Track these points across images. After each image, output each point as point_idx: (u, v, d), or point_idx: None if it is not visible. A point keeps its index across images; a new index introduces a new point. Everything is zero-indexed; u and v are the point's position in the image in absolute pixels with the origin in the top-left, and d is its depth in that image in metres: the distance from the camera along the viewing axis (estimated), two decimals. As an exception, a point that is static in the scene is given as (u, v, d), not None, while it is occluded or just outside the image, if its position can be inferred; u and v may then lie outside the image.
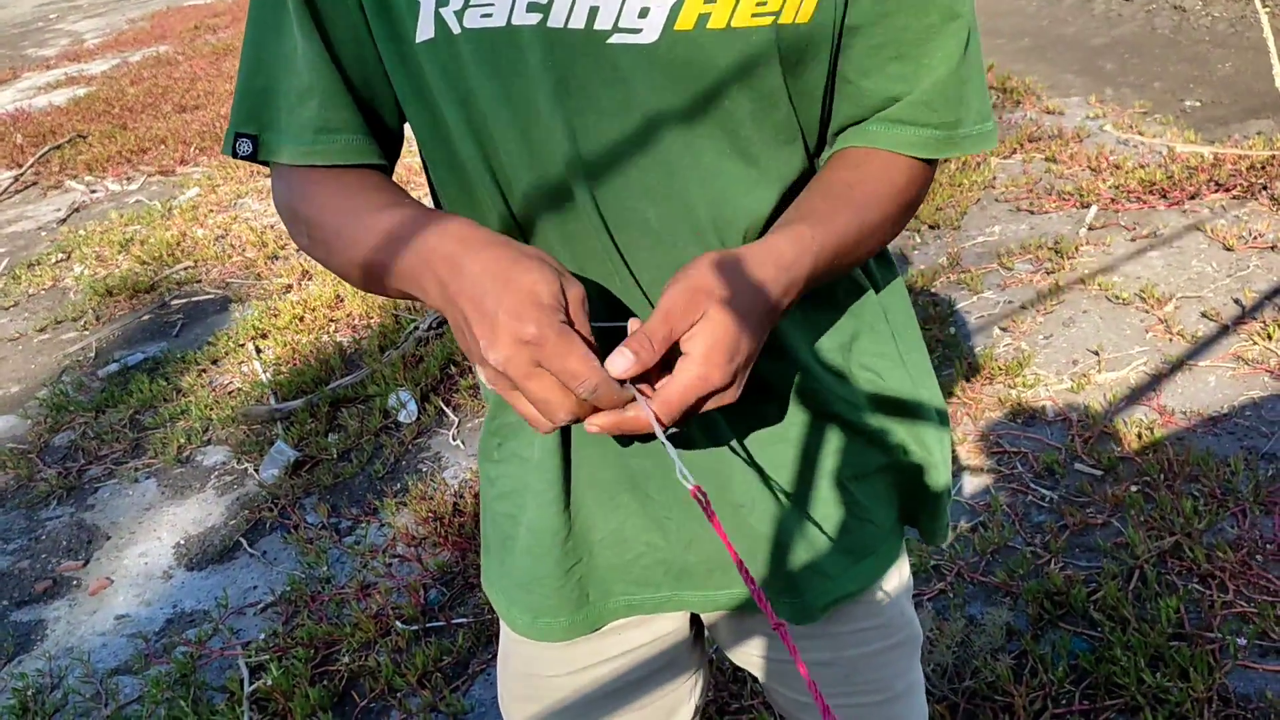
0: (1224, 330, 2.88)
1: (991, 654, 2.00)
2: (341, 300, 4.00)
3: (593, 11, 0.79)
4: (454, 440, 3.11)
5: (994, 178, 4.09)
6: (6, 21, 13.29)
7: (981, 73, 0.89)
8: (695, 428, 0.94)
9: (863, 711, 1.11)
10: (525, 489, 1.00)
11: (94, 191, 6.05)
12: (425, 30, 0.82)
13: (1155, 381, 2.72)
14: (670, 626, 1.09)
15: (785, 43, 0.81)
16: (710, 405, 0.75)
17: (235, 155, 0.89)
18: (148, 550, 2.88)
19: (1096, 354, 2.89)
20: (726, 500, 0.97)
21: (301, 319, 3.94)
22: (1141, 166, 3.87)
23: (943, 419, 1.06)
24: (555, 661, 1.08)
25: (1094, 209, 3.65)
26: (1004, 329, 3.10)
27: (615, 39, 0.80)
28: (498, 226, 0.90)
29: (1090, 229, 3.55)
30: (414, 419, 3.24)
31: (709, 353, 0.73)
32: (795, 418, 0.97)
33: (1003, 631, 2.04)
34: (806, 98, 0.87)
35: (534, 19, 0.79)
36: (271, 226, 4.93)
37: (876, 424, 1.01)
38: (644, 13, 0.79)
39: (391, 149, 0.94)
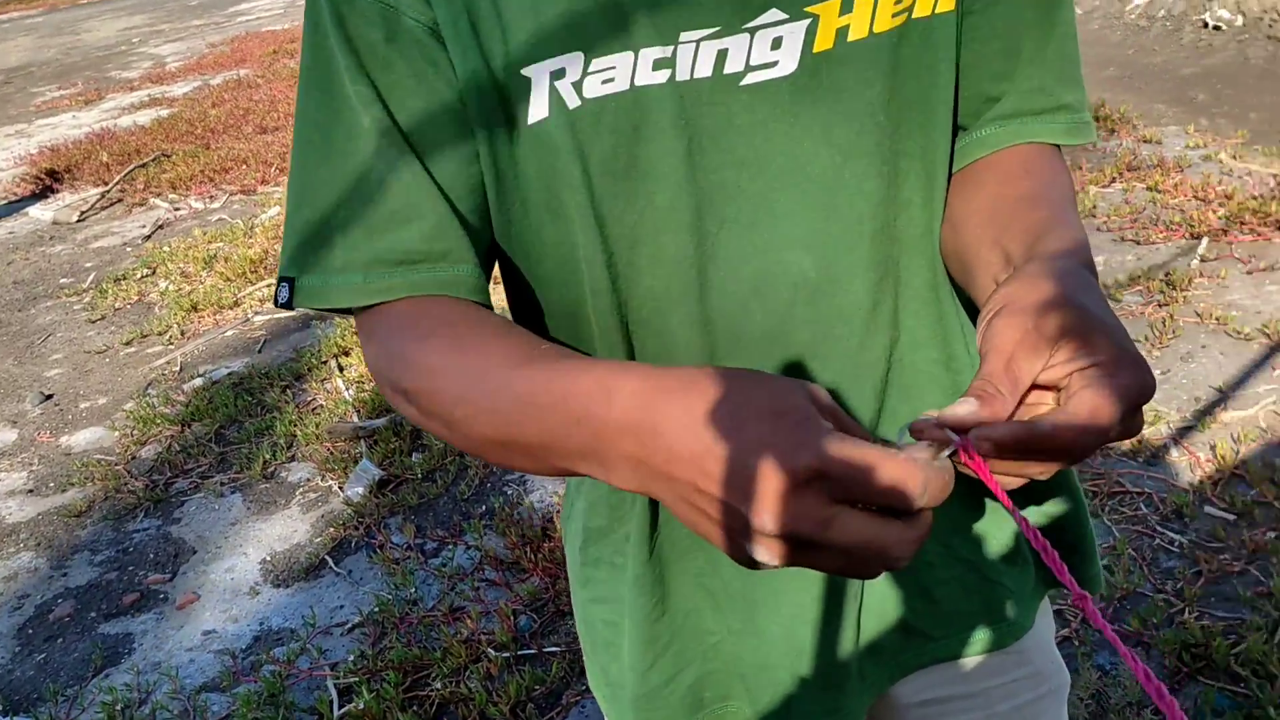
0: (1357, 369, 2.72)
1: (1129, 708, 1.87)
2: (424, 319, 3.97)
3: (721, 55, 0.70)
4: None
5: (1094, 207, 3.96)
6: (91, 44, 13.68)
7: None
8: None
9: None
10: (621, 599, 0.90)
11: (178, 209, 6.14)
12: (539, 111, 0.71)
13: (1287, 421, 2.58)
14: None
15: (927, 37, 0.74)
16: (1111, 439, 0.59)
17: (277, 304, 0.75)
18: (234, 565, 2.84)
19: (1221, 391, 2.75)
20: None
21: (384, 337, 3.91)
22: (1254, 197, 3.71)
23: None
24: None
25: (1205, 240, 3.50)
26: (1117, 363, 2.96)
27: (750, 79, 0.71)
28: (612, 338, 0.78)
29: (1203, 260, 3.41)
30: (500, 440, 3.18)
31: (1119, 357, 0.58)
32: None
33: (1139, 685, 1.91)
34: (944, 93, 0.78)
35: (662, 76, 0.70)
36: (353, 245, 4.95)
37: None
38: (777, 43, 0.70)
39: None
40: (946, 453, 0.55)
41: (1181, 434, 2.62)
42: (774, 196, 0.74)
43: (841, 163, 0.75)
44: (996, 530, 0.92)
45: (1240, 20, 6.47)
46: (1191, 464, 2.51)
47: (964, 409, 0.57)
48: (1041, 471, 0.60)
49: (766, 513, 0.51)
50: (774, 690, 0.91)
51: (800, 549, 0.53)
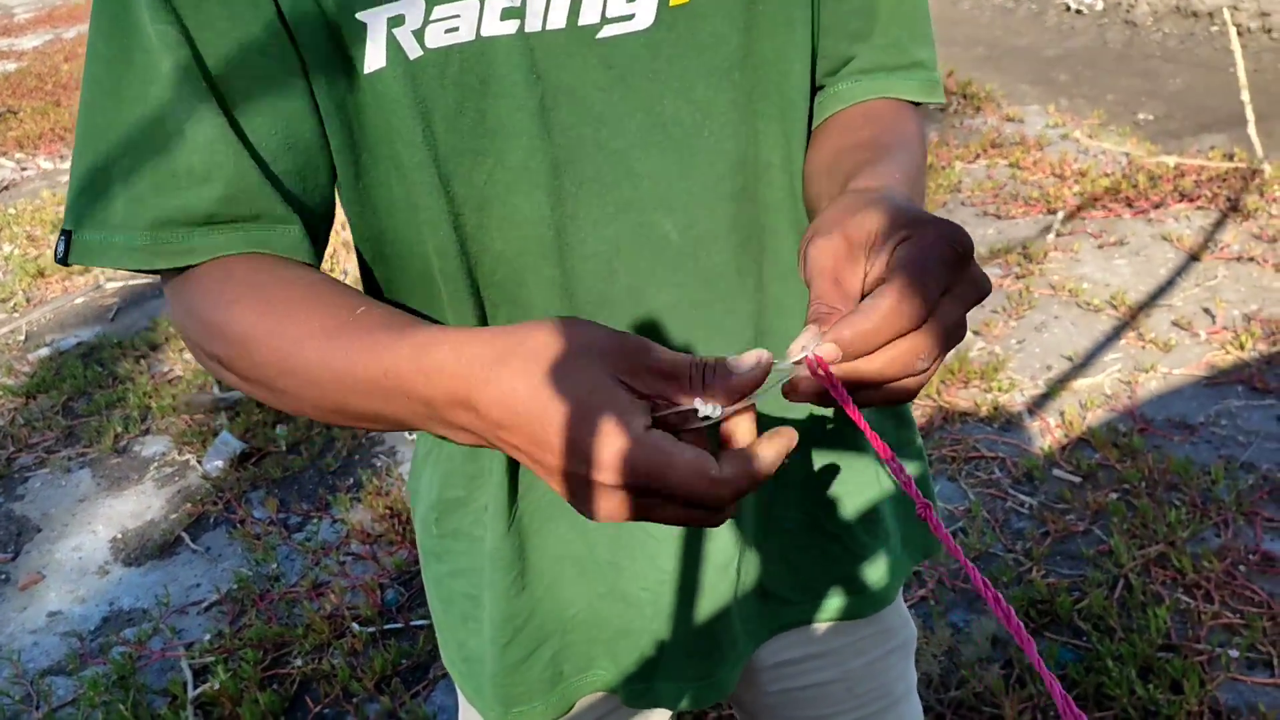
0: (1196, 339, 2.87)
1: (979, 664, 1.94)
2: (290, 287, 3.84)
3: (575, 5, 0.67)
4: (409, 435, 2.98)
5: (960, 181, 4.07)
6: (-69, -9, 12.76)
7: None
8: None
9: None
10: (480, 571, 0.87)
11: (25, 169, 5.79)
12: (375, 60, 0.66)
13: (1130, 389, 2.70)
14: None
15: None
16: (924, 373, 0.56)
17: (57, 259, 0.69)
18: (82, 544, 2.71)
19: (1070, 360, 2.87)
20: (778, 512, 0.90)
21: (248, 305, 3.77)
22: (1106, 175, 3.87)
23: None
24: None
25: (1061, 215, 3.64)
26: (976, 332, 3.06)
27: (606, 32, 0.69)
28: (462, 303, 0.75)
29: (1058, 235, 3.54)
30: (368, 411, 3.10)
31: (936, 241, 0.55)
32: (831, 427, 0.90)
33: (989, 641, 1.98)
34: (800, 51, 0.77)
35: (510, 27, 0.66)
36: (215, 209, 4.75)
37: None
38: None
39: (320, 238, 0.74)
40: (789, 367, 0.54)
41: (1034, 401, 2.72)
42: (634, 155, 0.72)
43: (701, 121, 0.73)
44: (860, 502, 0.93)
45: (1100, 5, 6.74)
46: (1042, 429, 2.61)
47: (807, 337, 0.55)
48: (898, 372, 0.55)
49: (606, 468, 0.51)
50: (639, 655, 0.90)
51: (642, 497, 0.53)
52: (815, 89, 0.82)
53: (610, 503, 0.53)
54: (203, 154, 0.65)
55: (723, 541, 0.87)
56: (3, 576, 2.62)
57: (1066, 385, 2.75)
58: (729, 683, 0.93)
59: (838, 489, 0.92)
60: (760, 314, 0.81)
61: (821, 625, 0.99)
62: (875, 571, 0.95)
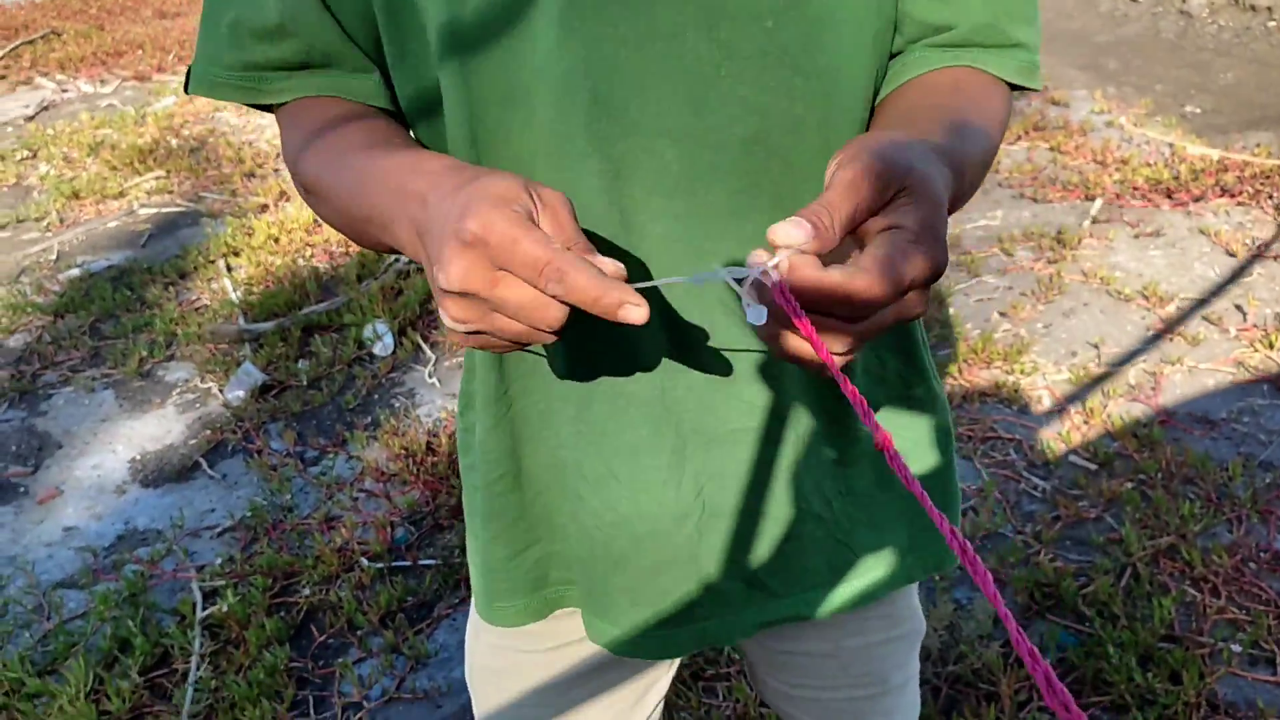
0: (1225, 335, 2.84)
1: (979, 640, 1.94)
2: (319, 225, 3.85)
3: None
4: (430, 378, 3.00)
5: (999, 162, 4.02)
6: (-18, -91, 12.76)
7: None
8: (750, 389, 0.83)
9: (855, 705, 1.05)
10: (482, 466, 0.90)
11: (65, 91, 5.81)
12: None
13: (1155, 380, 2.68)
14: None
15: None
16: (890, 319, 0.59)
17: (185, 89, 0.82)
18: (101, 463, 2.75)
19: (1096, 347, 2.84)
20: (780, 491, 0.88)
21: (277, 240, 3.79)
22: (1148, 164, 3.82)
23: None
24: (533, 637, 0.98)
25: (1099, 202, 3.59)
26: (1003, 314, 3.04)
27: None
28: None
29: (1094, 222, 3.50)
30: (389, 352, 3.13)
31: (923, 231, 0.58)
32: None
33: (991, 619, 1.98)
34: (855, 13, 0.74)
35: None
36: (249, 143, 4.75)
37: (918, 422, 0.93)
38: None
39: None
40: (752, 276, 0.56)
41: (1056, 386, 2.70)
42: (648, 79, 0.72)
43: (720, 60, 0.72)
44: (862, 494, 0.91)
45: (1155, -8, 6.59)
46: (1062, 415, 2.59)
47: (800, 235, 0.56)
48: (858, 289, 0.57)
49: (443, 270, 0.57)
50: (605, 598, 0.90)
51: (473, 309, 0.58)
52: (894, 54, 0.80)
53: (451, 307, 0.59)
54: (289, 12, 0.76)
55: (685, 497, 0.85)
56: (21, 490, 2.67)
57: (1089, 372, 2.72)
58: (684, 646, 0.92)
59: (839, 481, 0.90)
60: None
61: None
62: (874, 562, 0.93)
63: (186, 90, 0.81)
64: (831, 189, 0.58)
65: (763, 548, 0.89)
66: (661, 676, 1.06)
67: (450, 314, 0.59)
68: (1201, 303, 2.99)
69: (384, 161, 0.68)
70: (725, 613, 0.91)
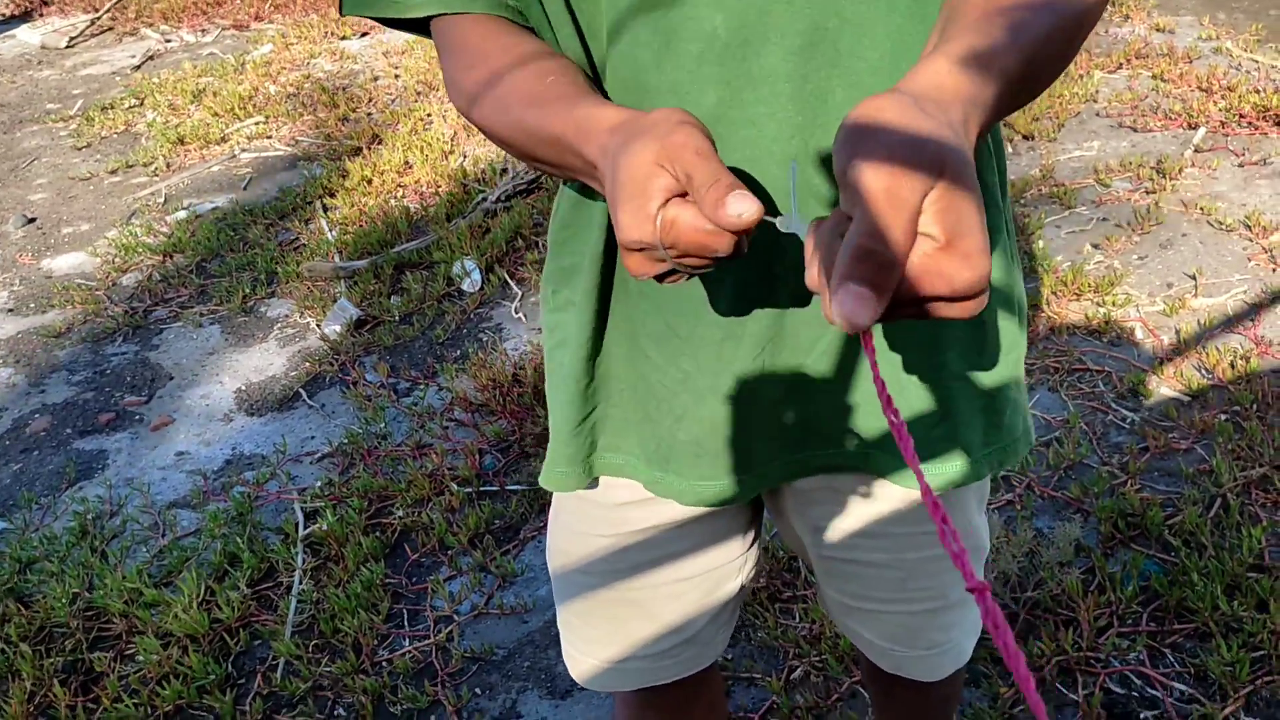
0: (1332, 265, 2.73)
1: (1059, 567, 1.94)
2: (410, 167, 3.94)
3: None
4: (516, 313, 3.07)
5: (1097, 91, 3.89)
6: None
7: None
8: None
9: (913, 619, 1.06)
10: (570, 337, 0.95)
11: (169, 41, 6.00)
12: None
13: (1254, 311, 2.59)
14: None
15: None
16: (943, 315, 0.56)
17: (339, 11, 0.89)
18: (209, 393, 2.89)
19: (1194, 279, 2.76)
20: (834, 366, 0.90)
21: (370, 181, 3.89)
22: (1256, 91, 3.65)
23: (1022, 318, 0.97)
24: (600, 521, 1.03)
25: (1202, 131, 3.46)
26: (1096, 246, 2.96)
27: None
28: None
29: (1197, 151, 3.37)
30: (478, 289, 3.20)
31: (966, 238, 0.54)
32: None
33: (1072, 547, 1.97)
34: None
35: None
36: (344, 89, 4.85)
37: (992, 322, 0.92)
38: None
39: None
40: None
41: (1149, 317, 2.64)
42: None
43: None
44: (927, 370, 0.91)
45: (1274, -90, 6.22)
46: (1154, 346, 2.54)
47: (867, 314, 0.54)
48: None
49: (622, 232, 0.65)
50: (670, 451, 0.95)
51: (656, 256, 0.66)
52: None
53: (630, 260, 0.68)
54: None
55: (748, 354, 0.88)
56: (137, 417, 2.82)
57: (1185, 303, 2.65)
58: (741, 492, 0.95)
59: (906, 349, 0.90)
60: (809, 128, 0.78)
61: (881, 504, 0.98)
62: (928, 446, 0.93)
63: (342, 11, 0.87)
64: (870, 209, 0.53)
65: (823, 403, 0.91)
66: (730, 579, 1.08)
67: (629, 265, 0.69)
68: (1309, 232, 2.87)
69: (551, 125, 0.76)
70: (784, 454, 0.94)
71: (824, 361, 0.89)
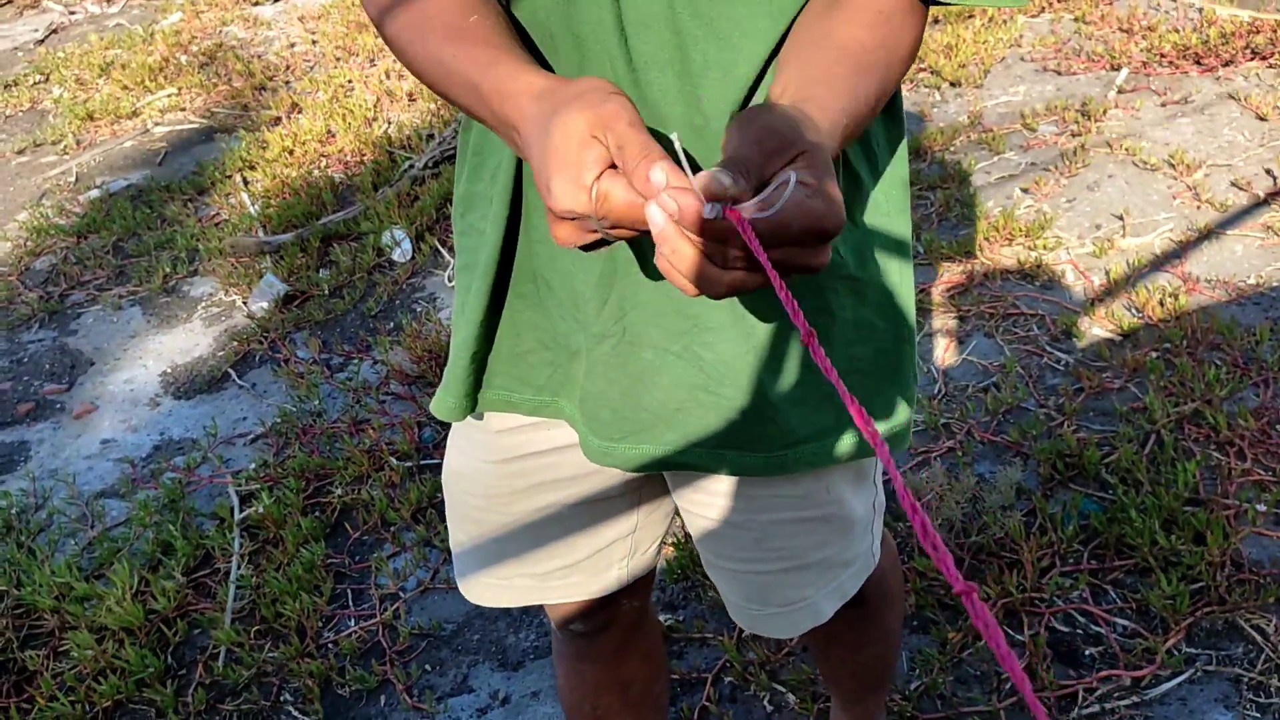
0: (1254, 200, 2.77)
1: (1001, 511, 1.96)
2: (333, 135, 3.83)
3: None
4: (449, 281, 3.01)
5: (1020, 36, 3.91)
6: None
7: None
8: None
9: (769, 578, 1.08)
10: (476, 264, 0.97)
11: (73, 13, 5.76)
12: None
13: (1181, 249, 2.63)
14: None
15: None
16: (803, 261, 0.66)
17: None
18: (133, 377, 2.79)
19: (1121, 219, 2.79)
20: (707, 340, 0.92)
21: (291, 152, 3.77)
22: (1175, 30, 3.69)
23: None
24: (484, 446, 1.06)
25: (1124, 72, 3.49)
26: (1025, 190, 2.98)
27: None
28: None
29: (1120, 92, 3.40)
30: (408, 258, 3.13)
31: (829, 185, 0.65)
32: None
33: (1013, 490, 1.99)
34: None
35: None
36: (259, 56, 4.70)
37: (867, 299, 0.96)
38: None
39: None
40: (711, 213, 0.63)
41: (1079, 259, 2.66)
42: None
43: None
44: (790, 370, 0.93)
45: None
46: (1086, 288, 2.56)
47: (736, 187, 0.63)
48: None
49: (552, 200, 0.68)
50: (555, 376, 0.99)
51: (582, 225, 0.69)
52: None
53: (560, 229, 0.70)
54: None
55: (607, 319, 0.91)
56: (58, 406, 2.72)
57: (1114, 244, 2.68)
58: (601, 459, 0.98)
59: (768, 354, 0.92)
60: (690, 113, 0.85)
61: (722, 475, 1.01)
62: (775, 435, 0.95)
63: None
64: (738, 145, 0.66)
65: (670, 393, 0.93)
66: (619, 490, 1.08)
67: (555, 234, 0.71)
68: (1227, 167, 2.91)
69: (470, 72, 0.77)
70: (641, 440, 0.96)
71: (687, 354, 0.92)
